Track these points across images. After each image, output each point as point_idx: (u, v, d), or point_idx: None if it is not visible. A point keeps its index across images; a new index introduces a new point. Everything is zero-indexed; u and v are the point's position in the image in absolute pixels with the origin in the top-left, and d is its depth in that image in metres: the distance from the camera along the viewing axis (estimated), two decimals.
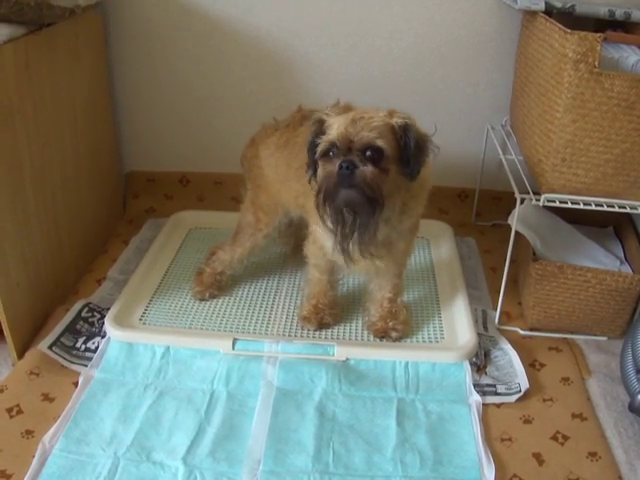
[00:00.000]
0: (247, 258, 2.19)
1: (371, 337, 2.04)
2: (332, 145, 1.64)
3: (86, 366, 1.90)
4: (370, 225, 1.68)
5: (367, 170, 1.60)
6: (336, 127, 1.64)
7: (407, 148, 1.66)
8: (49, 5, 1.88)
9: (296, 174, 1.94)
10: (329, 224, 1.71)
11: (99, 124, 2.48)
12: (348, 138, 1.62)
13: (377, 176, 1.62)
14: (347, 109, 1.78)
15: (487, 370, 1.91)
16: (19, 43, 1.83)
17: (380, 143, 1.61)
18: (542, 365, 1.97)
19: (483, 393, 1.83)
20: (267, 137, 2.09)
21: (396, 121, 1.66)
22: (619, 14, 2.08)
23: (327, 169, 1.65)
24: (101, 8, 2.44)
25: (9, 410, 1.74)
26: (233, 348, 1.95)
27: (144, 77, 2.63)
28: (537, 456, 1.66)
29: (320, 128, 1.70)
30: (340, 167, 1.60)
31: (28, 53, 1.88)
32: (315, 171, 1.72)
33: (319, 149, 1.67)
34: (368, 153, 1.61)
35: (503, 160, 2.26)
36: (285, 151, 2.00)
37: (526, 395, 1.83)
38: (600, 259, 2.17)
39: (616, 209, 1.91)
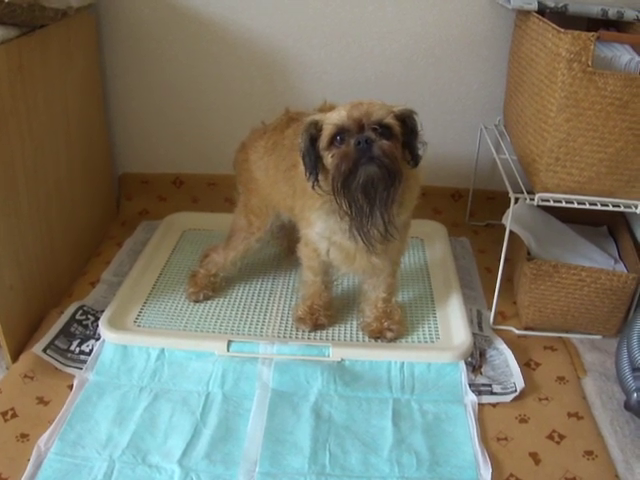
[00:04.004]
0: (240, 261, 2.19)
1: (366, 338, 2.04)
2: (340, 129, 1.65)
3: (81, 369, 1.89)
4: (390, 201, 1.68)
5: (384, 143, 1.62)
6: (338, 114, 1.66)
7: (413, 133, 1.70)
8: (41, 7, 1.88)
9: (284, 176, 1.95)
10: (345, 209, 1.70)
11: (92, 126, 2.47)
12: (358, 118, 1.63)
13: (393, 148, 1.64)
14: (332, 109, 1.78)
15: (482, 370, 1.91)
16: (12, 45, 1.82)
17: (390, 120, 1.64)
18: (537, 364, 1.97)
19: (479, 393, 1.83)
20: (255, 141, 2.09)
21: (397, 109, 1.68)
22: (612, 13, 2.08)
23: (341, 151, 1.64)
24: (94, 10, 2.43)
25: (4, 414, 1.73)
26: (228, 350, 1.94)
27: (137, 79, 2.62)
28: (533, 455, 1.66)
29: (315, 129, 1.70)
30: (358, 143, 1.60)
31: (21, 55, 1.87)
32: (317, 175, 1.72)
33: (325, 134, 1.67)
34: (379, 130, 1.63)
35: (497, 160, 2.26)
36: (273, 154, 2.00)
37: (522, 394, 1.83)
38: (594, 258, 2.18)
39: (610, 208, 1.91)
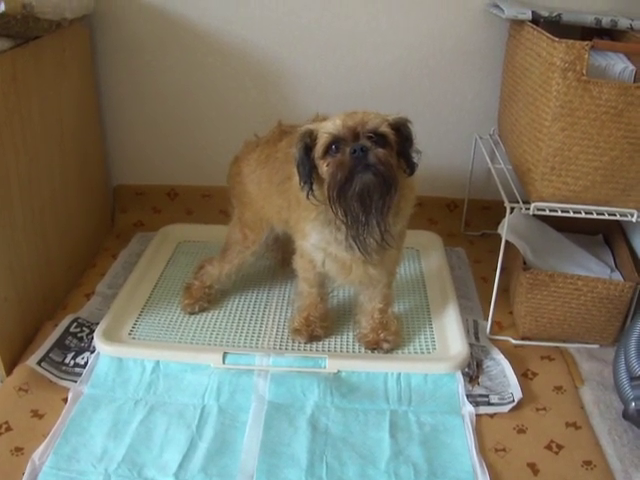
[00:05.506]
0: (235, 274, 2.19)
1: (362, 349, 2.03)
2: (335, 138, 1.65)
3: (75, 382, 1.88)
4: (386, 209, 1.68)
5: (379, 151, 1.62)
6: (332, 124, 1.66)
7: (408, 141, 1.71)
8: (35, 18, 1.87)
9: (277, 189, 1.95)
10: (341, 217, 1.70)
11: (87, 137, 2.46)
12: (353, 127, 1.63)
13: (389, 156, 1.64)
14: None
15: (480, 380, 1.90)
16: (5, 56, 1.82)
17: (385, 128, 1.65)
18: (534, 374, 1.96)
19: (476, 403, 1.82)
20: (248, 154, 2.10)
21: (392, 117, 1.69)
22: (605, 22, 2.08)
23: (336, 160, 1.64)
24: (88, 21, 2.43)
25: None
26: (224, 362, 1.93)
27: (131, 90, 2.62)
28: (532, 466, 1.65)
29: (310, 138, 1.70)
30: (353, 151, 1.60)
31: (15, 66, 1.86)
32: (312, 184, 1.71)
33: (320, 143, 1.67)
34: (374, 139, 1.63)
35: (492, 169, 2.25)
36: (266, 167, 2.00)
37: (519, 405, 1.82)
38: (591, 267, 2.17)
39: (606, 217, 1.91)
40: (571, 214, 1.91)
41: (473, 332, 2.11)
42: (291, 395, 1.84)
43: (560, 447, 1.71)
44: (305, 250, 1.92)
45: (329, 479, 1.59)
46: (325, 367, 1.92)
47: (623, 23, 2.08)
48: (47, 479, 1.57)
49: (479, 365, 1.96)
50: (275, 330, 2.12)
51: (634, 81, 1.85)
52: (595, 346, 2.09)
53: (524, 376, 1.95)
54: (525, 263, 2.09)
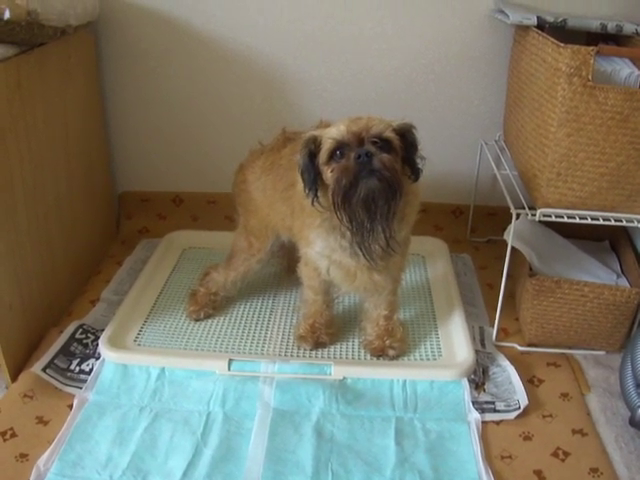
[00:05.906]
0: (241, 281, 2.19)
1: (368, 356, 2.02)
2: (340, 143, 1.64)
3: (80, 388, 1.87)
4: (391, 215, 1.67)
5: (384, 156, 1.61)
6: (336, 129, 1.65)
7: (412, 147, 1.70)
8: (40, 25, 1.87)
9: (282, 196, 1.95)
10: (346, 224, 1.69)
11: (92, 144, 2.47)
12: (357, 132, 1.63)
13: (394, 161, 1.63)
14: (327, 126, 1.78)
15: (486, 387, 1.90)
16: (10, 63, 1.82)
17: (389, 134, 1.64)
18: (541, 381, 1.95)
19: (482, 410, 1.81)
20: (253, 161, 2.09)
21: (396, 123, 1.68)
22: (611, 27, 2.08)
23: (341, 165, 1.64)
24: (93, 28, 2.44)
25: (3, 433, 1.72)
26: (229, 369, 1.93)
27: (136, 97, 2.62)
28: (538, 473, 1.64)
29: (314, 144, 1.69)
30: (358, 156, 1.60)
31: (20, 73, 1.87)
32: (316, 190, 1.70)
33: (325, 149, 1.66)
34: (379, 144, 1.63)
35: (497, 175, 2.25)
36: (271, 174, 2.00)
37: (525, 412, 1.81)
38: (597, 273, 2.17)
39: (612, 222, 1.90)
40: (577, 220, 1.90)
41: (479, 339, 2.11)
42: (296, 402, 1.83)
43: (567, 454, 1.70)
44: (310, 258, 1.91)
45: None
46: (330, 374, 1.92)
47: (628, 28, 2.08)
48: None
49: (485, 372, 1.95)
50: (280, 337, 2.11)
51: None
52: (601, 352, 2.08)
53: (530, 383, 1.94)
54: (531, 269, 2.08)
